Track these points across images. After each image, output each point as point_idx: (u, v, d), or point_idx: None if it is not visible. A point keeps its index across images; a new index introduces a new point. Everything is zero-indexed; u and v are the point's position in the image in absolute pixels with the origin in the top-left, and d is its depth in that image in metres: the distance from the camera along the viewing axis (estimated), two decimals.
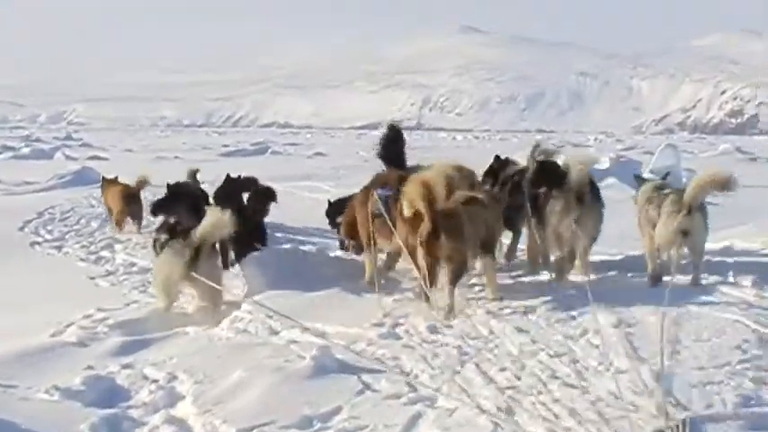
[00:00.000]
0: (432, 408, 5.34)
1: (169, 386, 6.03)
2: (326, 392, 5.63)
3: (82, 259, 11.46)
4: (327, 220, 11.56)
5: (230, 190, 11.54)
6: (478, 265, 8.43)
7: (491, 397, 5.43)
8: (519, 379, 5.80)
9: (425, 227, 7.65)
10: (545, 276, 9.03)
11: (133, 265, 10.80)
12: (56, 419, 5.34)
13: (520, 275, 9.37)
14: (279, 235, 12.67)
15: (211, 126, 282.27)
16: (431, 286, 7.79)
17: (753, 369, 5.81)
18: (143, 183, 13.96)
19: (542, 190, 8.95)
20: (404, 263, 9.13)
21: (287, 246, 10.27)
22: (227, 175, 12.02)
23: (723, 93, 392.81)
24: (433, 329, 7.06)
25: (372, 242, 8.98)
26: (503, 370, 6.00)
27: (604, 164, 22.18)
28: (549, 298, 7.91)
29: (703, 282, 8.42)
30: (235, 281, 9.43)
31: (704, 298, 7.72)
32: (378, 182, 9.29)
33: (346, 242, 10.06)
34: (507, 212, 9.10)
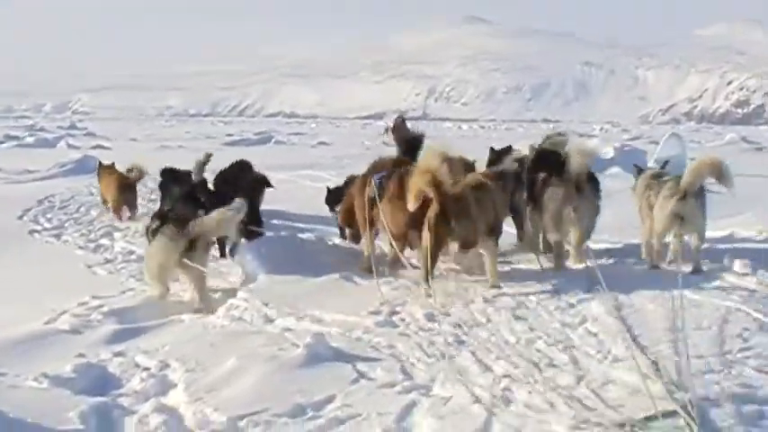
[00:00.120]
0: (426, 396, 5.27)
1: (161, 374, 5.95)
2: (320, 381, 5.55)
3: (80, 247, 11.37)
4: (328, 208, 11.53)
5: (228, 177, 11.55)
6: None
7: (487, 385, 5.36)
8: (516, 367, 5.72)
9: (434, 210, 7.64)
10: (543, 264, 8.95)
11: (132, 253, 10.70)
12: (44, 407, 5.23)
13: (513, 263, 9.33)
14: (277, 222, 12.61)
15: (217, 116, 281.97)
16: (432, 269, 7.79)
17: (753, 358, 5.74)
18: (138, 174, 13.97)
19: (541, 176, 8.94)
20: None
21: (285, 233, 10.17)
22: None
23: (729, 83, 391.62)
24: (430, 317, 6.99)
25: (370, 227, 8.92)
26: (499, 358, 5.93)
27: (609, 153, 22.09)
28: (547, 286, 7.87)
29: (704, 269, 8.38)
30: (232, 269, 9.36)
31: (705, 286, 7.68)
32: (375, 168, 9.24)
33: (345, 230, 10.06)
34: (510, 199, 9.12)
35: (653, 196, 8.64)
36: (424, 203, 7.79)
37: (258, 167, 12.28)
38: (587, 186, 8.73)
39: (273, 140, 44.30)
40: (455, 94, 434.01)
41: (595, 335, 6.41)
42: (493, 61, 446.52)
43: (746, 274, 8.09)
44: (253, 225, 10.04)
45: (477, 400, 5.10)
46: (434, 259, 7.86)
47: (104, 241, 11.75)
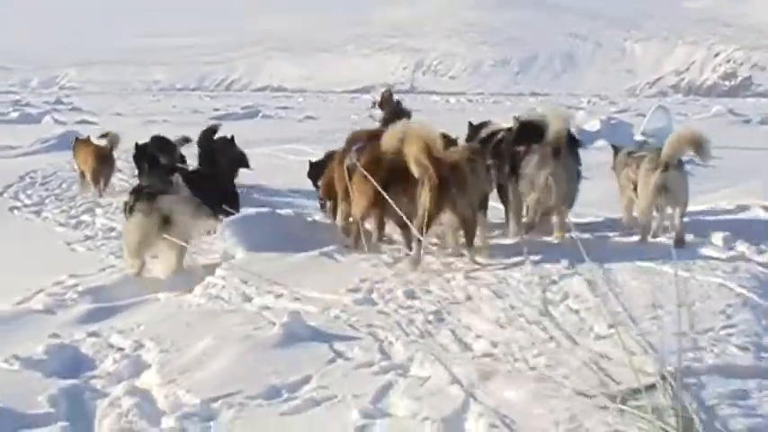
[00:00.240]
0: (404, 377, 5.16)
1: (135, 355, 5.85)
2: (296, 361, 5.44)
3: (61, 224, 11.25)
4: (311, 182, 11.42)
5: (209, 150, 11.54)
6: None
7: (465, 365, 5.23)
8: (495, 346, 5.62)
9: (432, 180, 7.52)
10: (525, 239, 8.82)
11: (112, 229, 10.57)
12: (14, 390, 5.11)
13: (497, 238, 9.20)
14: (258, 197, 12.50)
15: (204, 90, 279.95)
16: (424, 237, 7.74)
17: (736, 335, 5.62)
18: (113, 141, 13.85)
19: (521, 148, 8.82)
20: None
21: (265, 209, 10.03)
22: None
23: (716, 55, 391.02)
24: (409, 295, 6.89)
25: (347, 195, 8.82)
26: (479, 337, 5.83)
27: (595, 126, 21.98)
28: (528, 262, 7.67)
29: (687, 241, 8.31)
30: (212, 245, 9.25)
31: (688, 261, 7.54)
32: (353, 140, 9.17)
33: (325, 203, 10.03)
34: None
35: (631, 173, 8.62)
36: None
37: (242, 144, 12.21)
38: (565, 151, 8.58)
39: (260, 115, 44.00)
40: (442, 67, 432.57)
41: (577, 312, 6.31)
42: (479, 34, 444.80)
43: (731, 249, 8.03)
44: (228, 205, 9.95)
45: (456, 380, 4.98)
46: (431, 220, 7.70)
47: (85, 218, 11.64)
